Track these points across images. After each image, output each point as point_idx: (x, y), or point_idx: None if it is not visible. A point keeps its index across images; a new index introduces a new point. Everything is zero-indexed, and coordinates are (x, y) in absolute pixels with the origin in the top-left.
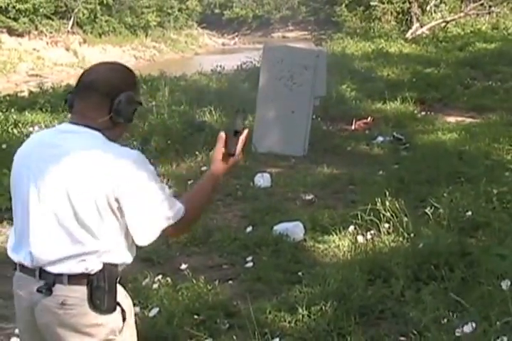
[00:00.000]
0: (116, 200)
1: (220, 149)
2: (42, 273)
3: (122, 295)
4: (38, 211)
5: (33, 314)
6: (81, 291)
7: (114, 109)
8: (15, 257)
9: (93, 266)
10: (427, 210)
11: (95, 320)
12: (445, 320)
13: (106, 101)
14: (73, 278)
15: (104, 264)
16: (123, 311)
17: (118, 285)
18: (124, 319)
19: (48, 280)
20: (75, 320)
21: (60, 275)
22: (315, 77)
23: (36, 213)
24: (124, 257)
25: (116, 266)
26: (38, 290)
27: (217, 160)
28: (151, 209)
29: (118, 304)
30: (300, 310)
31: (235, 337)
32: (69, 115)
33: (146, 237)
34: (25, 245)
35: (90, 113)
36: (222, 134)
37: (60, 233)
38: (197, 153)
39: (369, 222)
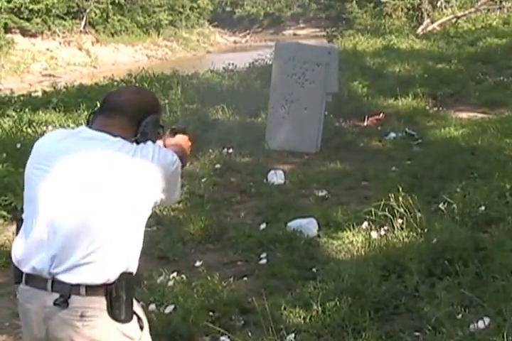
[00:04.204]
0: (162, 191)
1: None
2: (55, 283)
3: (136, 304)
4: (69, 214)
5: (46, 329)
6: (100, 302)
7: (141, 131)
8: (26, 263)
9: (112, 275)
10: (440, 205)
11: (115, 329)
12: (459, 315)
13: (133, 124)
14: (91, 289)
15: (122, 273)
16: (139, 320)
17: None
18: (141, 327)
19: (63, 292)
20: (95, 331)
21: (77, 285)
22: (327, 74)
23: (67, 215)
24: (136, 263)
25: (131, 274)
26: (56, 304)
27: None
28: (179, 181)
29: (134, 313)
30: (315, 306)
31: (250, 334)
32: (83, 114)
33: (176, 199)
34: (48, 247)
35: (116, 131)
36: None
37: (89, 235)
38: (210, 150)
39: (382, 218)
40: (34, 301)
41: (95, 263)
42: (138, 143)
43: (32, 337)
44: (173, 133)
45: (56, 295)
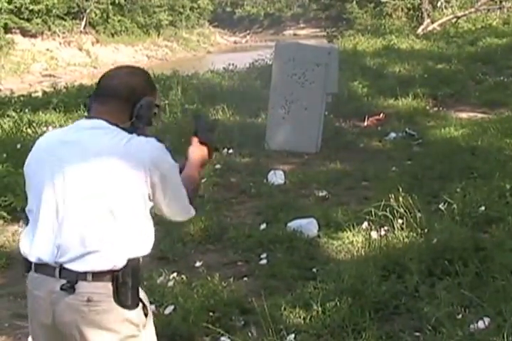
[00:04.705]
0: (152, 187)
1: (195, 142)
2: (62, 271)
3: (140, 291)
4: (71, 204)
5: (53, 314)
6: (106, 287)
7: (136, 115)
8: (33, 254)
9: (119, 262)
10: (440, 206)
11: (121, 315)
12: (459, 316)
13: (127, 107)
14: (98, 275)
15: (128, 260)
16: (144, 306)
17: None
18: (146, 314)
19: (70, 278)
20: (101, 316)
21: (84, 273)
22: (327, 74)
23: (68, 206)
24: (145, 248)
25: (138, 260)
26: (62, 289)
27: (195, 149)
28: (182, 190)
29: (140, 300)
30: (315, 307)
31: (250, 334)
32: (83, 115)
33: (185, 213)
34: (52, 238)
35: (112, 118)
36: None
37: (91, 226)
38: None
39: (382, 218)
40: (42, 288)
41: (100, 251)
42: (134, 126)
43: (39, 323)
44: (199, 141)
45: (63, 281)
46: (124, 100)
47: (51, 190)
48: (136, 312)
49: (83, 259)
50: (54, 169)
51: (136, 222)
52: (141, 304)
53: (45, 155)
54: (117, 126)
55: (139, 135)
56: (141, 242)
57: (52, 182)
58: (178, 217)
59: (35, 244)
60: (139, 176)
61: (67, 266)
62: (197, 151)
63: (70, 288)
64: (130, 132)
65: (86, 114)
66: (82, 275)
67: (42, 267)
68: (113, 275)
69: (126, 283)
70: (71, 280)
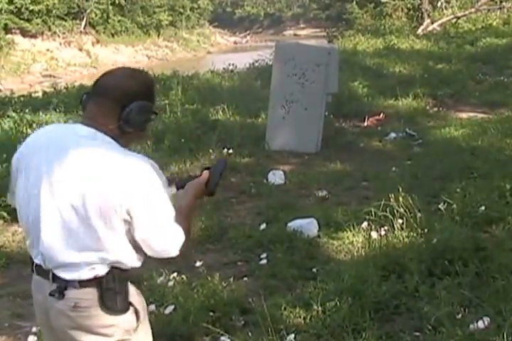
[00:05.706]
0: (128, 213)
1: (201, 185)
2: (54, 276)
3: (134, 294)
4: (50, 215)
5: (47, 317)
6: (92, 293)
7: (123, 118)
8: (33, 256)
9: (100, 270)
10: (440, 206)
11: (109, 320)
12: (459, 315)
13: (117, 109)
14: (84, 282)
15: (112, 267)
16: (136, 311)
17: (129, 284)
18: (137, 318)
19: (60, 284)
20: (89, 322)
21: (72, 281)
22: (327, 74)
23: (48, 217)
24: (131, 263)
25: (124, 269)
26: (51, 294)
27: (194, 193)
28: (162, 227)
29: (131, 304)
30: (315, 306)
31: (250, 334)
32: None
33: (158, 251)
34: (37, 246)
35: (101, 119)
36: (207, 174)
37: (69, 239)
38: (210, 151)
39: (382, 218)
40: (41, 291)
41: (81, 261)
42: (121, 131)
43: (41, 323)
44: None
45: (55, 286)
46: (115, 102)
47: (39, 201)
48: (126, 317)
49: (67, 269)
50: (47, 179)
51: (113, 237)
52: (132, 308)
53: (39, 164)
54: (111, 137)
55: (127, 142)
56: (126, 256)
57: (41, 194)
58: (151, 253)
59: (30, 247)
60: (121, 200)
61: (55, 271)
62: (196, 185)
63: (59, 294)
64: (118, 137)
65: (81, 112)
66: (71, 283)
67: (40, 269)
68: (98, 282)
69: (111, 289)
70: (61, 286)
